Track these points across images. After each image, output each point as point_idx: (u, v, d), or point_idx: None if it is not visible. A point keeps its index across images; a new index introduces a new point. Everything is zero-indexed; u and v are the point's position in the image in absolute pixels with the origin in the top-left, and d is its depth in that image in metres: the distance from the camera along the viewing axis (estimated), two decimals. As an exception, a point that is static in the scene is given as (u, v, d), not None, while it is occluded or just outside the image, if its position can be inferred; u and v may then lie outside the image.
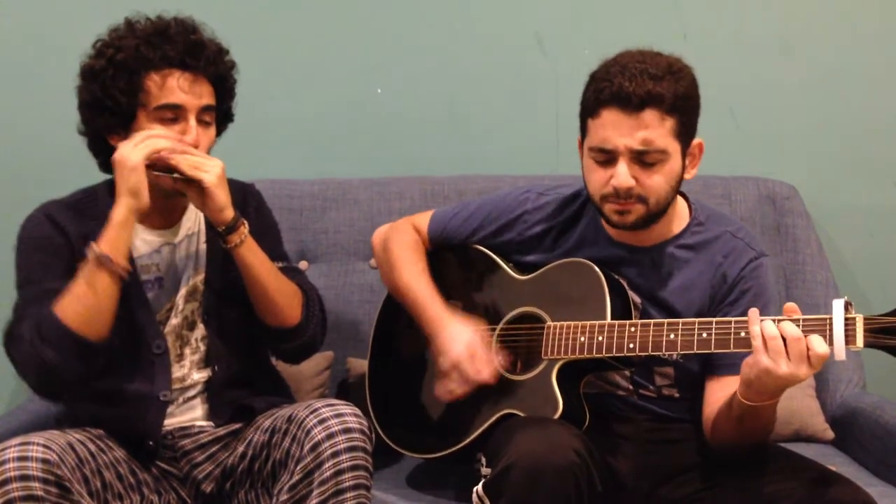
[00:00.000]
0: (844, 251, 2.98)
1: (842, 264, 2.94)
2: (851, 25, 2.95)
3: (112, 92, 2.09)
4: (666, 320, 2.04)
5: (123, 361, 2.13)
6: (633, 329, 2.05)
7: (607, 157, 2.06)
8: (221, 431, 2.19)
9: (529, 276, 2.25)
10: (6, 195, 2.84)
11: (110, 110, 2.11)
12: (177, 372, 2.19)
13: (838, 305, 1.87)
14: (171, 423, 2.18)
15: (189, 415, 2.21)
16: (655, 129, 2.03)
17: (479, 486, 1.98)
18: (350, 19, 2.95)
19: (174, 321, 2.20)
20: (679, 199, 2.18)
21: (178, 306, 2.21)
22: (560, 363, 2.11)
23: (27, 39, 2.90)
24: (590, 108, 2.07)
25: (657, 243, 2.18)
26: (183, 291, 2.22)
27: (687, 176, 2.13)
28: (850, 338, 1.85)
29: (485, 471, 2.03)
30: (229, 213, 2.10)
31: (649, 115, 2.02)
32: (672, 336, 2.01)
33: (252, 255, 2.15)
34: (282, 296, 2.18)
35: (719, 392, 2.08)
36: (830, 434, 2.62)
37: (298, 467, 1.97)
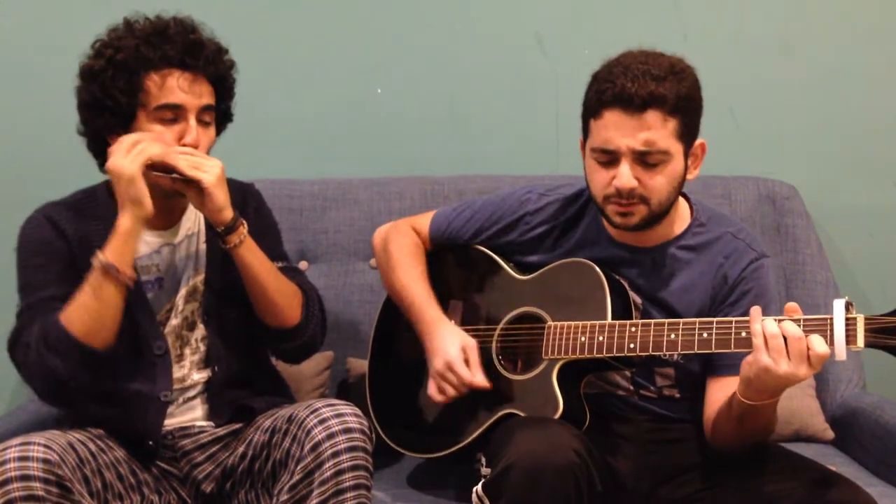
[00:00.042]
0: (844, 251, 2.98)
1: (842, 264, 2.94)
2: (851, 25, 2.95)
3: (112, 92, 2.09)
4: (666, 320, 2.04)
5: (124, 362, 2.13)
6: (633, 329, 2.05)
7: (610, 158, 2.06)
8: (221, 431, 2.19)
9: (530, 276, 2.25)
10: (6, 195, 2.83)
11: (110, 110, 2.10)
12: (177, 372, 2.19)
13: (839, 305, 1.87)
14: (171, 423, 2.18)
15: (189, 415, 2.20)
16: (658, 130, 2.02)
17: (479, 486, 1.98)
18: (350, 19, 2.95)
19: (174, 321, 2.20)
20: (681, 199, 2.18)
21: (178, 307, 2.21)
22: (560, 363, 2.11)
23: (27, 39, 2.89)
24: (592, 109, 2.07)
25: (658, 244, 2.18)
26: (183, 292, 2.21)
27: (689, 176, 2.13)
28: (850, 338, 1.85)
29: (485, 471, 2.03)
30: (228, 213, 2.10)
31: (652, 116, 2.01)
32: (673, 336, 2.01)
33: (251, 255, 2.14)
34: (281, 296, 2.18)
35: (720, 392, 2.08)
36: (830, 434, 2.62)
37: (299, 467, 1.97)
